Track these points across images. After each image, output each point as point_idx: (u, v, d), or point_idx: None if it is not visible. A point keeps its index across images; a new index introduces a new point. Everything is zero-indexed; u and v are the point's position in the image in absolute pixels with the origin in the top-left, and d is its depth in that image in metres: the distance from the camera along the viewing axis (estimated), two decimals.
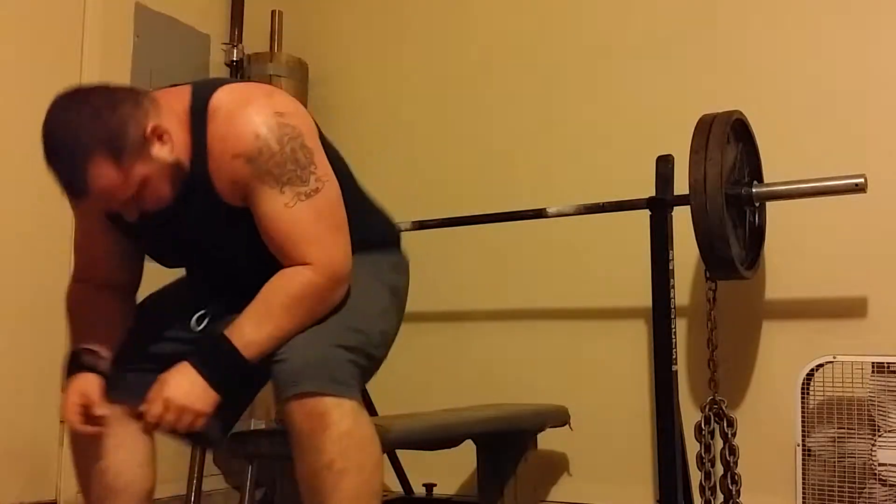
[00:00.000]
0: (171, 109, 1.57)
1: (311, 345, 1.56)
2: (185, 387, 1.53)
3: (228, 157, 1.55)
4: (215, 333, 1.58)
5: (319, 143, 1.65)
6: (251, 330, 1.55)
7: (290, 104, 1.62)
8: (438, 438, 2.31)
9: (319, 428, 1.49)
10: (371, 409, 2.68)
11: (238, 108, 1.57)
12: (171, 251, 1.77)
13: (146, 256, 1.81)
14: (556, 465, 2.95)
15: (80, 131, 1.45)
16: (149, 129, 1.50)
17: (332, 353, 1.55)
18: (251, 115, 1.55)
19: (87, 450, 1.68)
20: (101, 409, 1.60)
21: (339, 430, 1.50)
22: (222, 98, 1.59)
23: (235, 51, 3.34)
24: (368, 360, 1.63)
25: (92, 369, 1.65)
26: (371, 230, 1.80)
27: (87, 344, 1.68)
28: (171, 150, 1.54)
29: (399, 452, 2.84)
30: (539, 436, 2.72)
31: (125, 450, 1.68)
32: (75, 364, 1.66)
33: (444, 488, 2.98)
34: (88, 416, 1.61)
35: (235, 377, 1.56)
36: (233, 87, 1.62)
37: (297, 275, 1.58)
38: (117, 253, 1.75)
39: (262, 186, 1.55)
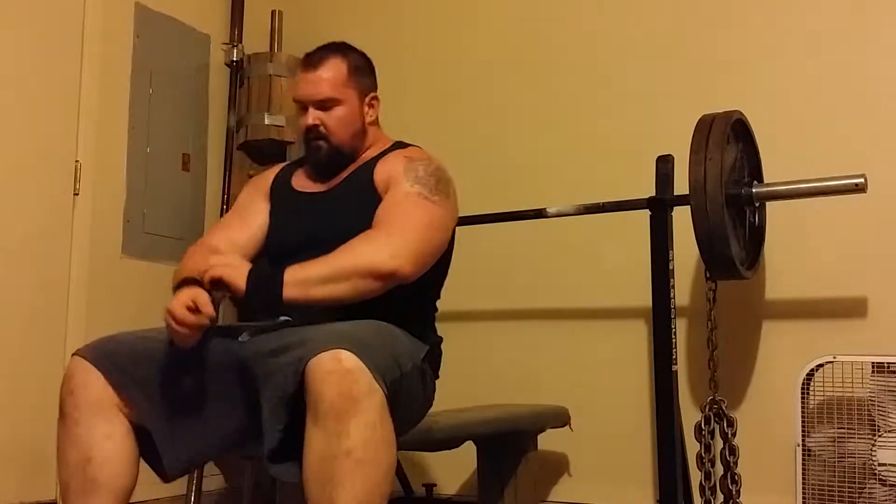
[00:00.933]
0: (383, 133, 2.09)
1: (352, 329, 1.60)
2: (231, 260, 1.74)
3: (399, 157, 1.94)
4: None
5: (458, 211, 1.95)
6: (306, 265, 1.70)
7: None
8: (439, 439, 2.30)
9: (350, 412, 1.47)
10: None
11: (427, 153, 1.99)
12: (291, 236, 1.96)
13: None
14: (556, 465, 2.95)
15: (351, 50, 2.02)
16: (374, 93, 2.05)
17: (373, 338, 1.60)
18: (431, 156, 1.97)
19: (74, 437, 1.68)
20: (207, 309, 1.66)
21: (367, 419, 1.49)
22: (420, 148, 2.03)
23: (235, 51, 3.34)
24: (399, 379, 1.63)
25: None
26: (424, 334, 1.93)
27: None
28: (371, 118, 2.03)
29: (399, 452, 2.81)
30: (539, 436, 2.72)
31: (113, 442, 1.68)
32: (188, 280, 1.73)
33: (444, 488, 2.98)
34: (193, 315, 1.66)
35: (268, 293, 1.66)
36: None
37: (365, 234, 1.76)
38: (251, 236, 2.01)
39: (403, 179, 1.86)
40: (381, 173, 1.92)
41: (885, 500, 2.26)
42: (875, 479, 2.28)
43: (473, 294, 3.16)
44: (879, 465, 2.28)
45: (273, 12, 3.42)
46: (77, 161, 2.78)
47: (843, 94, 2.65)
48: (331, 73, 1.95)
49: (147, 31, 3.03)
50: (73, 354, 1.75)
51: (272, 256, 1.99)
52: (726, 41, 2.83)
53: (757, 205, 2.50)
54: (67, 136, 2.77)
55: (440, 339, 2.00)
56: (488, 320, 3.14)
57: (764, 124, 2.56)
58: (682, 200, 2.34)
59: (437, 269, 1.88)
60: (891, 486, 2.27)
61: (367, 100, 2.02)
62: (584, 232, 2.92)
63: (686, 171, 2.30)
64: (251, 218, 2.03)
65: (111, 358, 1.72)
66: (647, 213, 2.41)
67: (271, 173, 2.11)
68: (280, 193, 2.04)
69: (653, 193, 2.41)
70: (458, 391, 2.99)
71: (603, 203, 2.59)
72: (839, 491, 2.31)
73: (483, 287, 3.14)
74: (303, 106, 1.96)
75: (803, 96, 2.71)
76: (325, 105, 1.94)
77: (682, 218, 2.35)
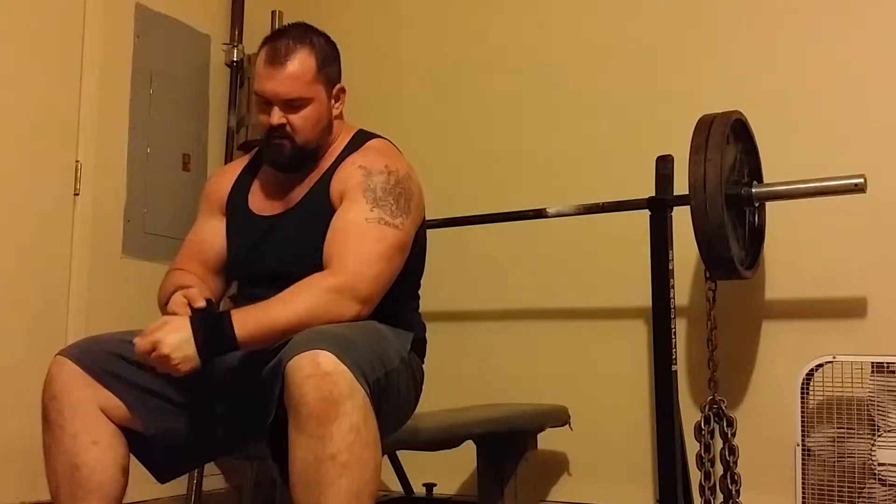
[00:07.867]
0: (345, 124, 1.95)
1: (335, 328, 1.57)
2: (177, 337, 1.57)
3: (355, 165, 1.81)
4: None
5: (422, 213, 1.89)
6: (254, 309, 1.62)
7: (420, 184, 1.88)
8: (439, 439, 2.31)
9: (331, 416, 1.44)
10: None
11: (388, 151, 1.89)
12: (253, 266, 1.88)
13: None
14: (556, 465, 2.95)
15: (315, 36, 1.86)
16: (340, 83, 1.91)
17: (355, 336, 1.56)
18: (392, 157, 1.86)
19: (61, 444, 1.65)
20: (200, 303, 1.66)
21: (349, 421, 1.45)
22: (380, 142, 1.93)
23: (235, 51, 3.34)
24: (384, 377, 1.60)
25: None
26: (409, 323, 1.89)
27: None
28: (337, 111, 1.90)
29: (399, 452, 2.84)
30: (539, 436, 2.72)
31: (100, 448, 1.65)
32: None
33: (444, 488, 2.98)
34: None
35: (221, 342, 1.59)
36: (390, 144, 1.95)
37: (321, 274, 1.67)
38: (218, 253, 1.94)
39: (360, 196, 1.75)
40: (337, 183, 1.82)
41: (885, 500, 2.26)
42: (875, 479, 2.28)
43: (473, 294, 3.16)
44: (879, 464, 2.28)
45: (273, 12, 3.42)
46: (77, 161, 2.78)
47: (843, 94, 2.65)
48: (300, 69, 1.79)
49: (147, 31, 3.03)
50: (56, 355, 1.70)
51: (238, 286, 1.95)
52: (726, 41, 2.83)
53: (757, 205, 2.50)
54: (67, 136, 2.77)
55: (424, 326, 1.97)
56: (488, 320, 3.14)
57: (764, 124, 2.56)
58: (682, 200, 2.34)
59: (411, 264, 1.83)
60: (890, 485, 2.27)
61: (334, 92, 1.88)
62: (584, 232, 2.92)
63: (686, 171, 2.30)
64: (214, 239, 1.94)
65: (98, 361, 1.68)
66: (647, 213, 2.41)
67: (227, 180, 1.99)
68: (236, 211, 1.94)
69: (653, 193, 2.41)
70: (458, 391, 3.00)
71: (603, 203, 2.59)
72: (839, 491, 2.31)
73: (483, 287, 3.14)
74: (265, 101, 1.82)
75: (803, 96, 2.70)
76: (293, 104, 1.81)
77: (682, 218, 2.35)
